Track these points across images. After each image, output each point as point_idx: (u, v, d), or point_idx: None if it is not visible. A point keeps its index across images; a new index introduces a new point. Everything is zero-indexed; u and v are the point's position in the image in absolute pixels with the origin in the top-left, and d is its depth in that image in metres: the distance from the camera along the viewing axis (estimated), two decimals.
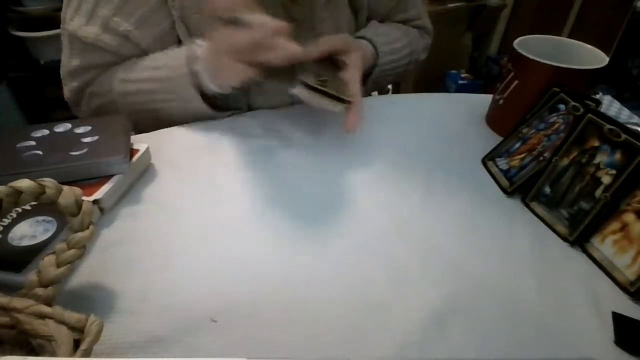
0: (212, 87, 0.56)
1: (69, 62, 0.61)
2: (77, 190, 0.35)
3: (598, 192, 0.45)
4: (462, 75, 2.05)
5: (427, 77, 1.84)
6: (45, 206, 0.35)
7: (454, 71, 2.09)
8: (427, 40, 0.81)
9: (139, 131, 0.68)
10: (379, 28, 0.73)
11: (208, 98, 0.59)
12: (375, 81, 0.72)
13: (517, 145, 0.56)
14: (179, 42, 0.61)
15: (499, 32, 2.21)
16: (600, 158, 0.46)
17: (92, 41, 0.57)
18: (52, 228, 0.42)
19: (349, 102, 0.52)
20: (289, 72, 0.51)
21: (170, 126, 0.62)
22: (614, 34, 2.15)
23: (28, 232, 0.41)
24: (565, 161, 0.49)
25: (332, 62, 0.56)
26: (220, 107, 0.62)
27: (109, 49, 0.59)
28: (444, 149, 0.61)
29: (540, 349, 0.36)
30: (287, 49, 0.47)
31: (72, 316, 0.30)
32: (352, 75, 0.54)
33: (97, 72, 0.61)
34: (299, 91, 0.52)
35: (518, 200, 0.52)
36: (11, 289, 0.33)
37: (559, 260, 0.45)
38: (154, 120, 0.62)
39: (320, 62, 0.54)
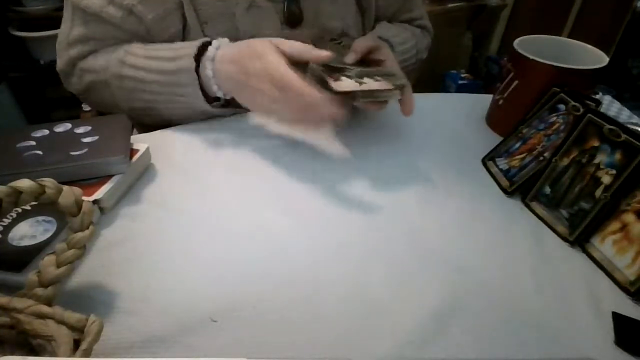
0: (218, 93, 0.55)
1: (69, 32, 0.59)
2: (77, 190, 0.35)
3: (598, 192, 0.45)
4: (462, 75, 2.05)
5: (427, 77, 1.84)
6: (45, 206, 0.35)
7: (454, 71, 2.08)
8: (428, 39, 0.83)
9: (138, 124, 0.68)
10: (390, 29, 0.74)
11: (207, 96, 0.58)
12: None
13: (517, 145, 0.56)
14: (184, 24, 0.59)
15: (499, 32, 2.21)
16: (600, 158, 0.46)
17: (95, 11, 0.56)
18: (52, 228, 0.42)
19: (403, 86, 0.53)
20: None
21: (162, 121, 0.61)
22: (614, 34, 2.15)
23: (28, 232, 0.41)
24: (565, 161, 0.49)
25: (364, 62, 0.57)
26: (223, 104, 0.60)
27: (112, 21, 0.57)
28: (444, 149, 0.61)
29: (540, 349, 0.36)
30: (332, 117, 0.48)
31: (72, 316, 0.30)
32: (393, 64, 0.58)
33: (95, 45, 0.60)
34: (360, 103, 0.53)
35: (518, 200, 0.52)
36: (11, 289, 0.33)
37: (559, 260, 0.45)
38: (145, 112, 0.61)
39: (358, 64, 0.56)
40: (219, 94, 0.56)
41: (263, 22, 0.61)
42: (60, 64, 0.63)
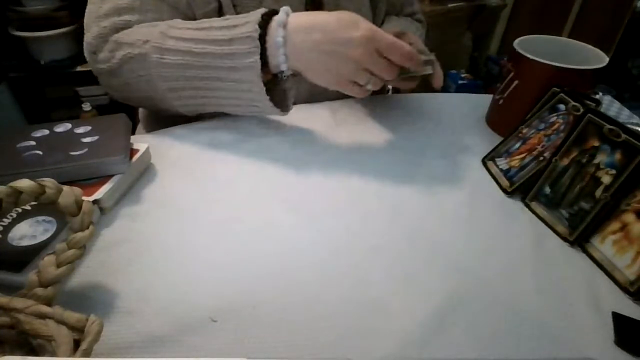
0: (282, 66, 0.51)
1: (99, 7, 0.57)
2: (77, 190, 0.35)
3: (598, 192, 0.45)
4: (462, 75, 2.05)
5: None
6: (45, 206, 0.35)
7: (454, 71, 2.09)
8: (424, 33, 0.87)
9: (161, 118, 0.66)
10: (399, 20, 0.76)
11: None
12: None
13: (517, 145, 0.56)
14: (219, 6, 0.58)
15: (499, 32, 2.21)
16: (600, 158, 0.46)
17: None
18: (52, 228, 0.42)
19: (432, 60, 0.58)
20: None
21: (199, 106, 0.58)
22: (614, 34, 2.15)
23: (28, 232, 0.41)
24: (565, 161, 0.49)
25: None
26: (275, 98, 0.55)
27: None
28: (444, 149, 0.61)
29: (540, 349, 0.36)
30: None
31: (72, 316, 0.30)
32: (421, 44, 0.63)
33: (132, 17, 0.56)
34: (396, 80, 0.56)
35: (518, 200, 0.52)
36: (11, 289, 0.33)
37: (559, 260, 0.45)
38: (184, 94, 0.56)
39: None
40: (283, 67, 0.52)
41: None
42: (88, 37, 0.58)
